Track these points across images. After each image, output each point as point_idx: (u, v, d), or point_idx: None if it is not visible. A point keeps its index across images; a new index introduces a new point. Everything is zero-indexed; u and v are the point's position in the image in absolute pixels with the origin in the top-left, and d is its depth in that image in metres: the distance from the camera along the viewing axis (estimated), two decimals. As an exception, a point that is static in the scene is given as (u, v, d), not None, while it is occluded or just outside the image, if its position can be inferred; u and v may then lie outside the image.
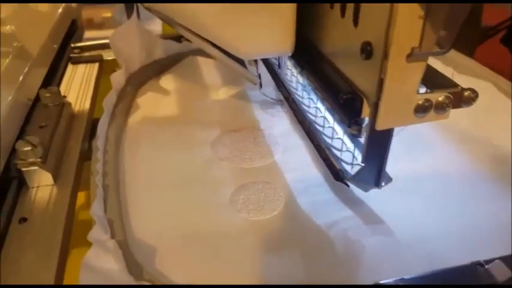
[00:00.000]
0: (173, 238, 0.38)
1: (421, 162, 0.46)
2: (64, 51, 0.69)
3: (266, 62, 0.59)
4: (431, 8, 0.25)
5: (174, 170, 0.47)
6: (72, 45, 0.72)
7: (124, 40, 0.60)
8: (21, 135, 0.46)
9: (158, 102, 0.59)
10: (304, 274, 0.35)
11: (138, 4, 0.62)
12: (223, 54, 0.41)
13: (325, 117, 0.47)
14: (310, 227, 0.39)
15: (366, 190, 0.40)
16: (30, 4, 0.62)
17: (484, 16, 0.65)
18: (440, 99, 0.30)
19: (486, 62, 0.61)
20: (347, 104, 0.33)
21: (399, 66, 0.27)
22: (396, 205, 0.41)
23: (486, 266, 0.34)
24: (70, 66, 0.68)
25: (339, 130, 0.45)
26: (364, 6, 0.29)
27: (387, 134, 0.35)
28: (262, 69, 0.57)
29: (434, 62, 0.36)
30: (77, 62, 0.69)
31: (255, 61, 0.51)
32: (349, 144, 0.43)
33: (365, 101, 0.31)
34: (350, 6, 0.30)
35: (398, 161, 0.38)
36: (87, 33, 0.81)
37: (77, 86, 0.62)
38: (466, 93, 0.30)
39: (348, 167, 0.41)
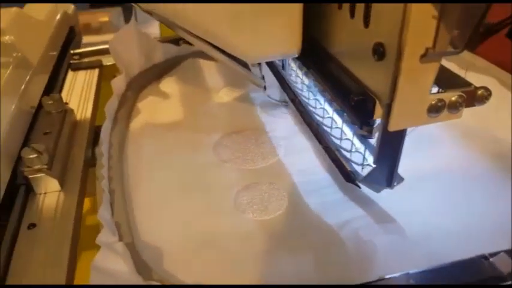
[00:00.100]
0: (180, 240, 0.39)
1: (426, 159, 0.46)
2: (64, 58, 0.70)
3: (270, 63, 0.59)
4: (445, 8, 0.25)
5: (178, 173, 0.47)
6: (72, 51, 0.72)
7: (123, 45, 0.61)
8: (26, 142, 0.47)
9: (159, 106, 0.59)
10: (315, 275, 0.35)
11: (136, 7, 0.63)
12: (226, 57, 0.41)
13: (332, 119, 0.47)
14: (320, 227, 0.39)
15: (378, 191, 0.40)
16: (27, 13, 0.63)
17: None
18: (453, 99, 0.30)
19: (488, 57, 0.62)
20: (358, 106, 0.33)
21: (413, 67, 0.27)
22: (405, 203, 0.41)
23: (491, 259, 0.34)
24: (70, 73, 0.68)
25: (348, 131, 0.45)
26: (375, 6, 0.28)
27: (400, 135, 0.35)
28: (266, 71, 0.57)
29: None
30: (77, 68, 0.69)
31: (259, 63, 0.52)
32: (359, 145, 0.42)
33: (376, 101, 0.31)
34: (360, 7, 0.30)
35: (403, 158, 0.38)
36: (85, 38, 0.81)
37: (78, 92, 0.63)
38: (480, 92, 0.30)
39: (358, 168, 0.41)
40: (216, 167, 0.48)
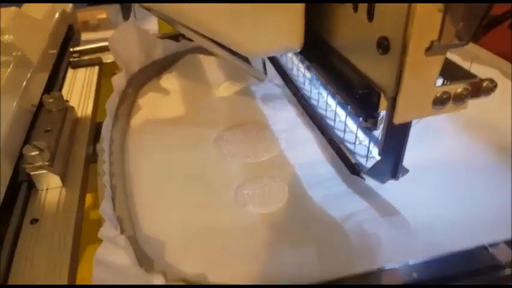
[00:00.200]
0: (181, 233, 0.39)
1: (430, 151, 0.46)
2: (63, 56, 0.70)
3: (271, 57, 0.59)
4: (450, 4, 0.25)
5: (179, 167, 0.47)
6: (71, 49, 0.72)
7: (122, 42, 0.61)
8: (27, 140, 0.47)
9: (159, 102, 0.60)
10: (318, 267, 0.35)
11: (134, 3, 0.63)
12: (227, 52, 0.41)
13: (336, 112, 0.47)
14: (323, 220, 0.40)
15: (383, 182, 0.40)
16: (26, 13, 0.63)
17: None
18: (458, 91, 0.30)
19: (490, 48, 0.61)
20: (363, 99, 0.33)
21: (418, 60, 0.27)
22: (408, 195, 0.41)
23: (490, 250, 0.35)
24: (70, 71, 0.69)
25: (351, 124, 0.45)
26: (379, 1, 0.28)
27: (405, 127, 0.35)
28: (267, 63, 0.57)
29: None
30: (76, 66, 0.69)
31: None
32: (362, 138, 0.43)
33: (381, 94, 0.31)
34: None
35: (406, 150, 0.38)
36: (84, 36, 0.81)
37: (79, 89, 0.63)
38: (485, 84, 0.30)
39: (362, 161, 0.42)
40: (217, 161, 0.48)
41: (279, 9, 0.34)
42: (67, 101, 0.57)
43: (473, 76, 0.31)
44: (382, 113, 0.33)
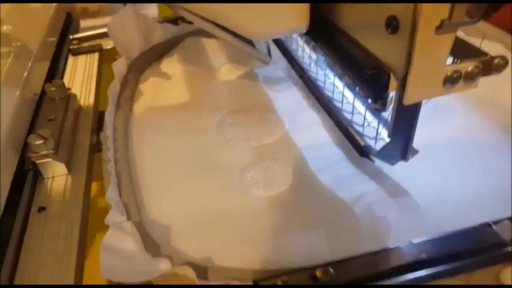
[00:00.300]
0: (187, 218, 0.39)
1: (439, 130, 0.46)
2: (63, 44, 0.70)
3: (275, 39, 0.58)
4: None
5: (182, 152, 0.48)
6: (71, 36, 0.72)
7: (122, 28, 0.61)
8: (31, 129, 0.48)
9: (161, 86, 0.60)
10: (327, 251, 0.35)
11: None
12: (230, 34, 0.40)
13: (343, 93, 0.46)
14: (331, 202, 0.40)
15: (392, 164, 0.40)
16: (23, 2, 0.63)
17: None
18: (469, 69, 0.29)
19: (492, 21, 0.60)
20: (372, 80, 0.32)
21: (428, 39, 0.27)
22: (417, 175, 0.41)
23: (494, 227, 0.35)
24: (71, 58, 0.69)
25: (359, 105, 0.44)
26: None
27: (415, 107, 0.34)
28: (272, 44, 0.57)
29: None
30: (77, 53, 0.69)
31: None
32: (371, 119, 0.42)
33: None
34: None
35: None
36: (84, 23, 0.81)
37: (80, 77, 0.63)
38: (496, 61, 0.30)
39: (371, 142, 0.41)
40: (220, 145, 0.48)
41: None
42: (69, 88, 0.57)
43: (484, 53, 0.30)
44: (391, 93, 0.33)
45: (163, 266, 0.33)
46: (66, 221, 0.39)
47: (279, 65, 0.60)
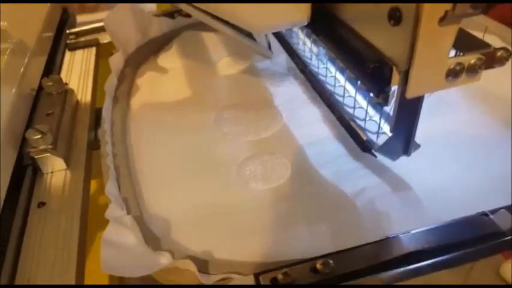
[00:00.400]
0: (187, 212, 0.40)
1: (440, 124, 0.46)
2: (60, 39, 0.69)
3: (276, 32, 0.57)
4: None
5: (180, 147, 0.48)
6: (67, 31, 0.72)
7: (118, 22, 0.60)
8: (29, 124, 0.47)
9: (158, 81, 0.59)
10: (330, 245, 0.35)
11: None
12: (230, 28, 0.40)
13: (345, 87, 0.46)
14: (330, 195, 0.40)
15: (394, 159, 0.40)
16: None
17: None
18: (472, 61, 0.29)
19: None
20: (375, 73, 0.32)
21: (431, 31, 0.26)
22: (419, 169, 0.41)
23: (491, 216, 0.35)
24: (68, 53, 0.68)
25: (361, 100, 0.44)
26: None
27: (417, 101, 0.34)
28: (272, 38, 0.56)
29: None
30: (74, 48, 0.69)
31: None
32: (372, 113, 0.42)
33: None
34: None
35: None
36: (81, 18, 0.80)
37: (77, 71, 0.63)
38: (499, 53, 0.30)
39: (373, 137, 0.41)
40: (218, 139, 0.48)
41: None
42: (66, 83, 0.57)
43: (487, 45, 0.30)
44: (393, 87, 0.33)
45: (164, 259, 0.33)
46: (66, 216, 0.39)
47: (279, 59, 0.60)
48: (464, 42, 0.30)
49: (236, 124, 0.50)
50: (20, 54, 0.53)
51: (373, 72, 0.32)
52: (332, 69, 0.50)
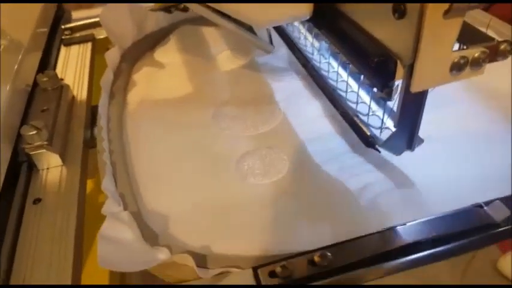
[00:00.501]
0: (185, 207, 0.39)
1: (442, 118, 0.45)
2: (55, 34, 0.69)
3: (277, 26, 0.57)
4: None
5: (178, 143, 0.47)
6: (63, 26, 0.71)
7: (114, 17, 0.60)
8: (25, 120, 0.47)
9: (154, 76, 0.59)
10: (331, 241, 0.34)
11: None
12: (231, 22, 0.39)
13: (347, 82, 0.46)
14: (329, 189, 0.39)
15: (398, 154, 0.39)
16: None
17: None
18: (476, 55, 0.29)
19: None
20: (379, 68, 0.32)
21: (436, 24, 0.26)
22: (423, 164, 0.40)
23: (485, 207, 0.35)
24: (63, 49, 0.67)
25: (364, 95, 0.44)
26: None
27: (421, 96, 0.33)
28: (273, 32, 0.56)
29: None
30: (69, 43, 0.68)
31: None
32: (375, 108, 0.42)
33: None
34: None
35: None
36: (77, 14, 0.80)
37: (73, 67, 0.62)
38: (502, 46, 0.29)
39: (376, 132, 0.41)
40: (216, 134, 0.48)
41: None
42: (62, 79, 0.57)
43: (491, 39, 0.30)
44: (397, 82, 0.32)
45: (162, 255, 0.32)
46: (62, 212, 0.39)
47: (280, 53, 0.59)
48: (468, 36, 0.30)
49: (234, 119, 0.49)
50: (14, 50, 0.53)
51: (377, 66, 0.32)
52: (334, 64, 0.49)
